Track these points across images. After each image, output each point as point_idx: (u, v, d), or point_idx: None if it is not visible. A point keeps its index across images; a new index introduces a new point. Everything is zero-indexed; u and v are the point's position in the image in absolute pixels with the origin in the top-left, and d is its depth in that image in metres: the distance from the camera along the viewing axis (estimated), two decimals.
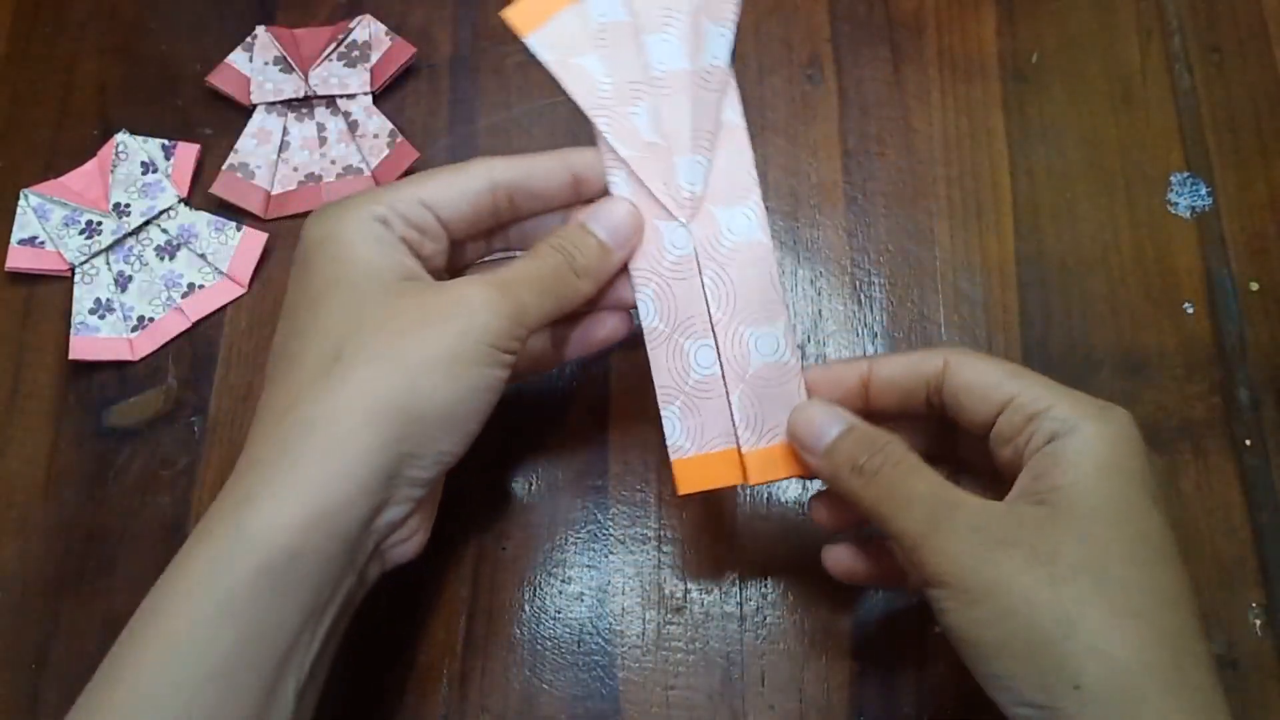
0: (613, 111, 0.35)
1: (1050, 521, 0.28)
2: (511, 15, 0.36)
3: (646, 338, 0.35)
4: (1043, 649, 0.27)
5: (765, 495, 0.41)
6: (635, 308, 0.36)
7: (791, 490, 0.41)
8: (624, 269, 0.35)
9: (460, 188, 0.34)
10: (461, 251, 0.37)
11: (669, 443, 0.35)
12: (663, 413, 0.35)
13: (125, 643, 0.29)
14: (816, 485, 0.41)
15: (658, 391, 0.35)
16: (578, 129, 0.47)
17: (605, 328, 0.37)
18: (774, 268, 0.35)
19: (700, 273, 0.35)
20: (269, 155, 0.47)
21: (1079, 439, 0.29)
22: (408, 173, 0.46)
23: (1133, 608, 0.27)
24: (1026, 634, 0.27)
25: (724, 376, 0.35)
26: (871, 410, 0.34)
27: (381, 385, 0.30)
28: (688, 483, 0.35)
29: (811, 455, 0.33)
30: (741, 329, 0.35)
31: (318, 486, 0.29)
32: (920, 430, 0.35)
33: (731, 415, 0.35)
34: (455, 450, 0.32)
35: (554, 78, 0.36)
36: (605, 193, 0.36)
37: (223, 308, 0.45)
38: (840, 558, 0.36)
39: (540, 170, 0.35)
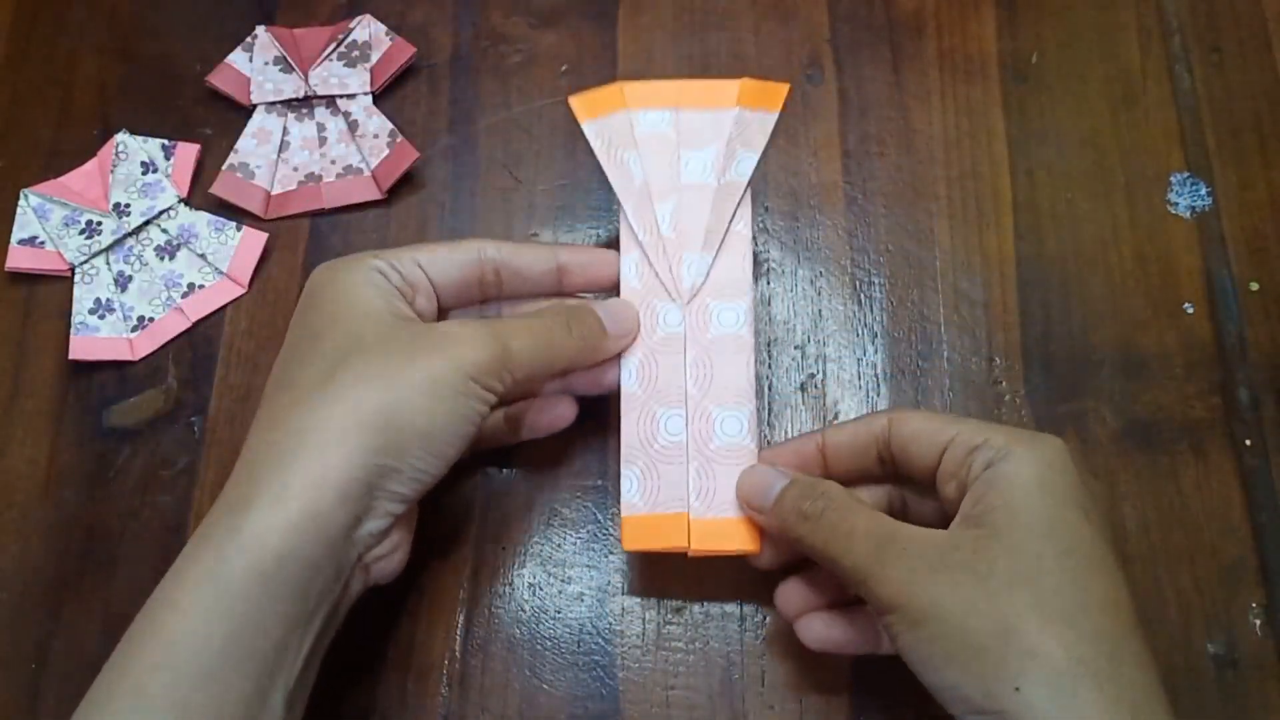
0: (639, 201, 0.40)
1: (986, 540, 0.30)
2: (575, 103, 0.41)
3: (623, 401, 0.38)
4: (984, 657, 0.29)
5: None
6: (606, 391, 0.39)
7: None
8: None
9: (453, 255, 0.37)
10: (449, 316, 0.39)
11: (623, 499, 0.37)
12: (623, 471, 0.38)
13: (125, 643, 0.30)
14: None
15: (623, 450, 0.38)
16: (577, 128, 0.47)
17: (553, 413, 0.40)
18: (751, 362, 0.38)
19: (685, 350, 0.38)
20: (269, 155, 0.47)
21: (1011, 463, 0.31)
22: (407, 173, 0.46)
23: (1065, 613, 0.29)
24: (969, 645, 0.29)
25: (686, 447, 0.38)
26: (830, 476, 0.37)
27: (368, 401, 0.32)
28: (634, 540, 0.37)
29: (761, 511, 0.36)
30: (711, 408, 0.38)
31: (305, 491, 0.31)
32: (874, 494, 0.38)
33: (687, 484, 0.37)
34: (432, 471, 0.34)
35: (598, 161, 0.40)
36: (587, 287, 0.40)
37: (223, 308, 0.45)
38: (815, 628, 0.36)
39: (528, 254, 0.38)
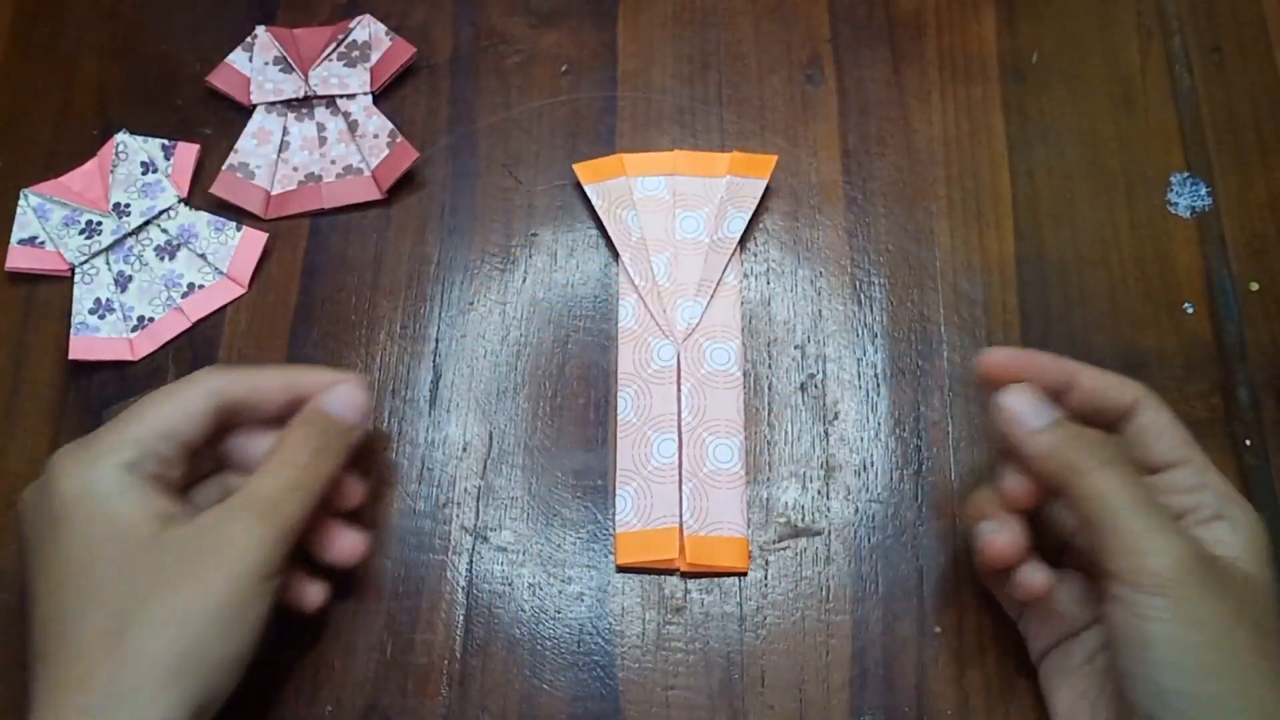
0: (636, 253, 0.44)
1: (1210, 587, 0.30)
2: (579, 169, 0.46)
3: (619, 428, 0.42)
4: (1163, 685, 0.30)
5: (766, 497, 0.41)
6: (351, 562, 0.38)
7: (790, 493, 0.41)
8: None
9: (192, 410, 0.35)
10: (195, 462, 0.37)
11: (618, 517, 0.40)
12: (618, 491, 0.41)
13: None
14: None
15: (618, 473, 0.41)
16: (577, 128, 0.47)
17: (343, 544, 0.37)
18: (741, 396, 0.42)
19: (680, 382, 0.42)
20: (269, 155, 0.47)
21: (1234, 525, 0.32)
22: (407, 173, 0.46)
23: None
24: (1162, 670, 0.30)
25: (680, 468, 0.41)
26: (1062, 404, 0.35)
27: (171, 651, 0.31)
28: (628, 554, 0.40)
29: (1020, 436, 0.33)
30: (705, 435, 0.41)
31: None
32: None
33: (680, 501, 0.40)
34: (237, 682, 0.33)
35: (599, 218, 0.45)
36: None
37: (223, 308, 0.45)
38: (1038, 579, 0.34)
39: (264, 389, 0.36)
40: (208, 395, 0.35)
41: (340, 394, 0.37)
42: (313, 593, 0.37)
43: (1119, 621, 0.31)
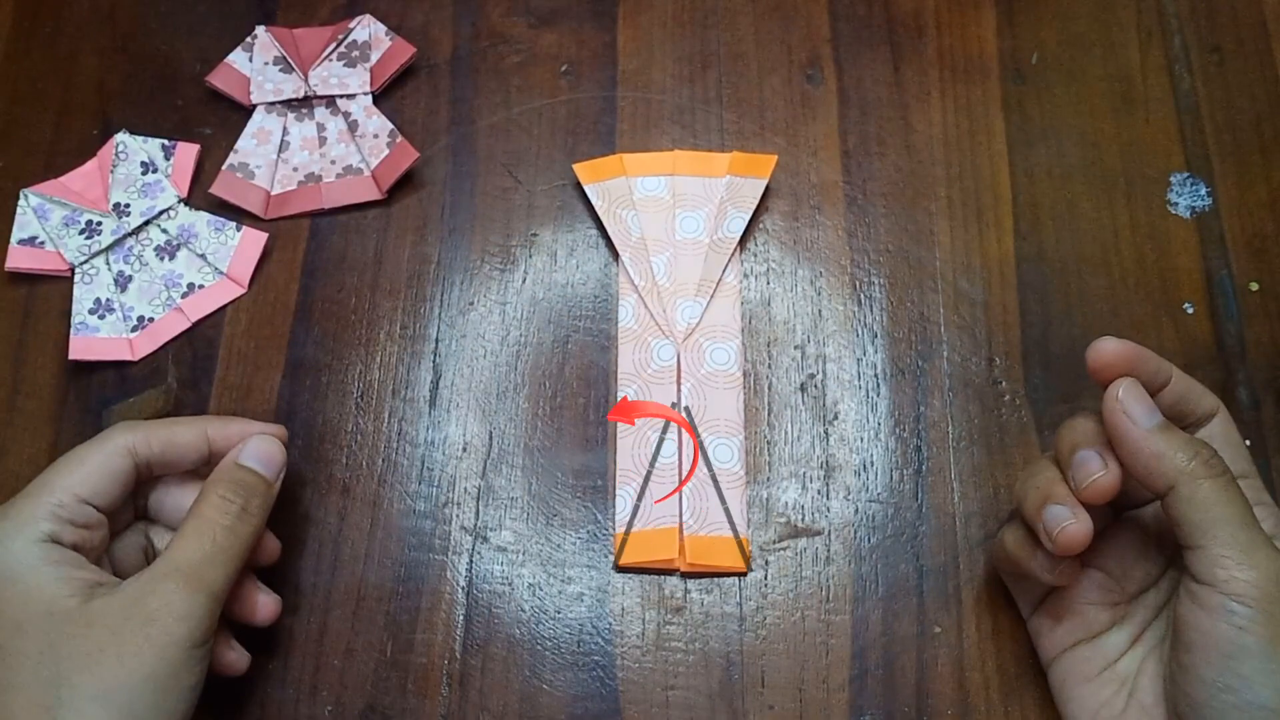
0: (636, 253, 0.44)
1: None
2: (579, 169, 0.46)
3: (619, 428, 0.42)
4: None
5: (766, 497, 0.41)
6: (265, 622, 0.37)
7: (790, 493, 0.41)
8: None
9: (108, 470, 0.35)
10: (115, 518, 0.37)
11: (618, 517, 0.40)
12: (618, 491, 0.41)
13: None
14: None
15: (618, 472, 0.41)
16: (577, 128, 0.47)
17: (256, 607, 0.37)
18: (741, 396, 0.42)
19: (680, 382, 0.42)
20: (269, 155, 0.47)
21: None
22: (407, 173, 0.46)
23: None
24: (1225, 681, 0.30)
25: (680, 468, 0.41)
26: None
27: None
28: (630, 554, 0.40)
29: (1126, 429, 0.32)
30: (705, 435, 0.41)
31: None
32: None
33: (680, 501, 0.40)
34: None
35: (599, 218, 0.45)
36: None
37: (222, 308, 0.45)
38: (1075, 526, 0.32)
39: (180, 442, 0.36)
40: (122, 455, 0.35)
41: (254, 448, 0.37)
42: (234, 655, 0.37)
43: (1207, 629, 0.30)
